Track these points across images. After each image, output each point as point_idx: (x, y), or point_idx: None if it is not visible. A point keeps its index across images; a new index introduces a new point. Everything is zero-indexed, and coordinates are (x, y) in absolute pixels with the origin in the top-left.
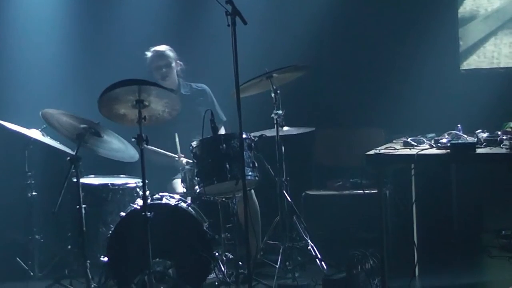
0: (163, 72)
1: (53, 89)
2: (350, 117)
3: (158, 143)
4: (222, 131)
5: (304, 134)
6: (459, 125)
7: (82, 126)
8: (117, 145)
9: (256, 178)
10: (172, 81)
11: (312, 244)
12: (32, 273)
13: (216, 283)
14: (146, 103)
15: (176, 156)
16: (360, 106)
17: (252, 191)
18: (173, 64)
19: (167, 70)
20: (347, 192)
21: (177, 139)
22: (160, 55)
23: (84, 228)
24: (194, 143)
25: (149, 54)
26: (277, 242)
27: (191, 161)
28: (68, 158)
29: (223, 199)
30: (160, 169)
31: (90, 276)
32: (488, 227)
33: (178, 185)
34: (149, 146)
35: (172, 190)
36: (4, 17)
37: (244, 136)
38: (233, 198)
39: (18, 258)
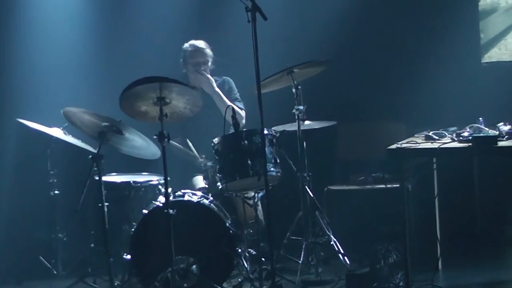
0: (200, 69)
1: (74, 87)
2: (371, 111)
3: (181, 139)
4: (243, 114)
5: (326, 129)
6: (480, 118)
7: (103, 124)
8: (139, 143)
9: (278, 174)
10: None
11: (335, 239)
12: (55, 272)
13: (240, 279)
14: (168, 100)
15: (197, 156)
16: (381, 100)
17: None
18: (209, 63)
19: (205, 68)
20: (369, 186)
21: (190, 144)
22: (201, 51)
23: (107, 226)
24: (216, 140)
25: (188, 47)
26: (300, 238)
27: (219, 138)
28: (90, 156)
29: (245, 195)
30: (181, 166)
31: (114, 274)
32: (511, 220)
33: (199, 181)
34: (173, 142)
35: (193, 187)
36: (25, 17)
37: (265, 132)
38: (255, 194)
39: (41, 257)
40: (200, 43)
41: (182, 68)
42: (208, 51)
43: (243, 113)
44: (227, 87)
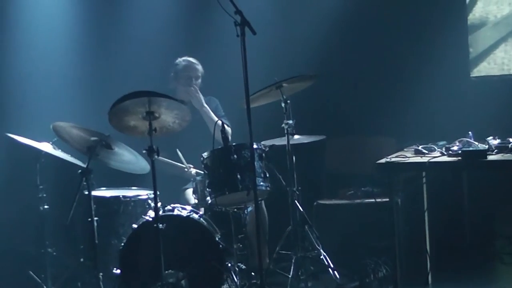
0: (192, 83)
1: (63, 102)
2: (360, 125)
3: (168, 153)
4: (230, 131)
5: (315, 143)
6: (470, 132)
7: (92, 138)
8: (128, 157)
9: (268, 188)
10: None
11: (325, 254)
12: (45, 286)
13: None
14: (157, 115)
15: (185, 166)
16: (370, 114)
17: (263, 202)
18: (200, 79)
19: (196, 83)
20: (358, 201)
21: (179, 154)
22: (194, 67)
23: (96, 241)
24: (205, 154)
25: (182, 62)
26: (289, 252)
27: (201, 172)
28: (80, 170)
29: (235, 209)
30: (171, 180)
31: None
32: (501, 234)
33: (191, 196)
34: (159, 157)
35: (185, 202)
36: (14, 31)
37: (255, 146)
38: (244, 209)
39: (31, 272)
40: (193, 59)
41: (171, 82)
42: (200, 68)
43: (229, 130)
44: (213, 105)
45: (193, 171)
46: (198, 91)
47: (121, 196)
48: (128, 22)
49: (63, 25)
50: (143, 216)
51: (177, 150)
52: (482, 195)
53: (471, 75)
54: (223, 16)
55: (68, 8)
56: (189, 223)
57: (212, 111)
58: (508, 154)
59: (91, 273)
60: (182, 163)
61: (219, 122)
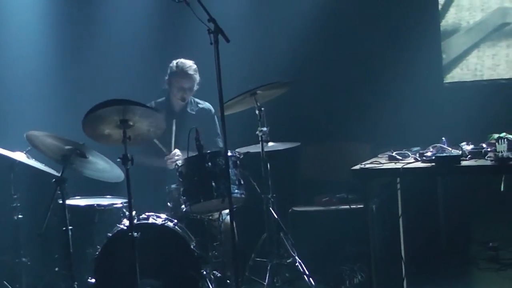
0: (185, 96)
1: (37, 111)
2: (335, 132)
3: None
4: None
5: (290, 150)
6: (443, 138)
7: (67, 147)
8: (103, 166)
9: (243, 195)
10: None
11: (300, 261)
12: None
13: None
14: (131, 123)
15: (166, 150)
16: (344, 120)
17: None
18: (195, 88)
19: (189, 93)
20: (333, 207)
21: (157, 142)
22: (189, 77)
23: (71, 250)
24: (179, 162)
25: (176, 69)
26: (264, 259)
27: (182, 160)
28: (54, 179)
29: (210, 217)
30: (148, 186)
31: None
32: (476, 239)
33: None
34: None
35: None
36: None
37: (229, 153)
38: (219, 216)
39: (5, 282)
40: (190, 67)
41: (165, 84)
42: (196, 77)
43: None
44: (207, 117)
45: (177, 152)
46: (177, 155)
47: (95, 205)
48: (103, 30)
49: (36, 33)
50: (117, 225)
51: (154, 140)
52: (456, 200)
53: (444, 81)
54: (198, 23)
55: (42, 15)
56: (164, 231)
57: (204, 123)
58: (481, 160)
59: (66, 282)
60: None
61: (194, 128)
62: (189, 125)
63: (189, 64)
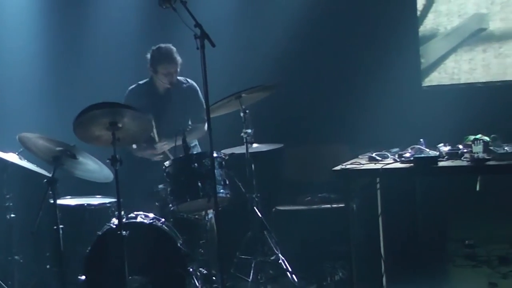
0: (172, 79)
1: (29, 113)
2: (317, 133)
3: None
4: (205, 127)
5: (273, 151)
6: (422, 140)
7: (58, 148)
8: (92, 166)
9: (228, 195)
10: None
11: (283, 258)
12: None
13: None
14: (120, 125)
15: (157, 140)
16: (326, 123)
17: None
18: (179, 69)
19: (176, 76)
20: (316, 206)
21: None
22: (174, 62)
23: (62, 248)
24: (167, 163)
25: (158, 55)
26: (249, 257)
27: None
28: (45, 180)
29: (196, 216)
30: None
31: None
32: (453, 237)
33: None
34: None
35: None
36: None
37: (215, 154)
38: (205, 215)
39: None
40: (172, 51)
41: (149, 71)
42: (179, 58)
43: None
44: (193, 92)
45: (165, 147)
46: (164, 145)
47: (85, 204)
48: (92, 33)
49: (27, 35)
50: (107, 224)
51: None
52: (434, 200)
53: (422, 85)
54: (184, 28)
55: (33, 17)
56: (152, 229)
57: (191, 102)
58: (458, 160)
59: (57, 279)
60: (155, 136)
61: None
62: (175, 104)
63: (170, 47)
